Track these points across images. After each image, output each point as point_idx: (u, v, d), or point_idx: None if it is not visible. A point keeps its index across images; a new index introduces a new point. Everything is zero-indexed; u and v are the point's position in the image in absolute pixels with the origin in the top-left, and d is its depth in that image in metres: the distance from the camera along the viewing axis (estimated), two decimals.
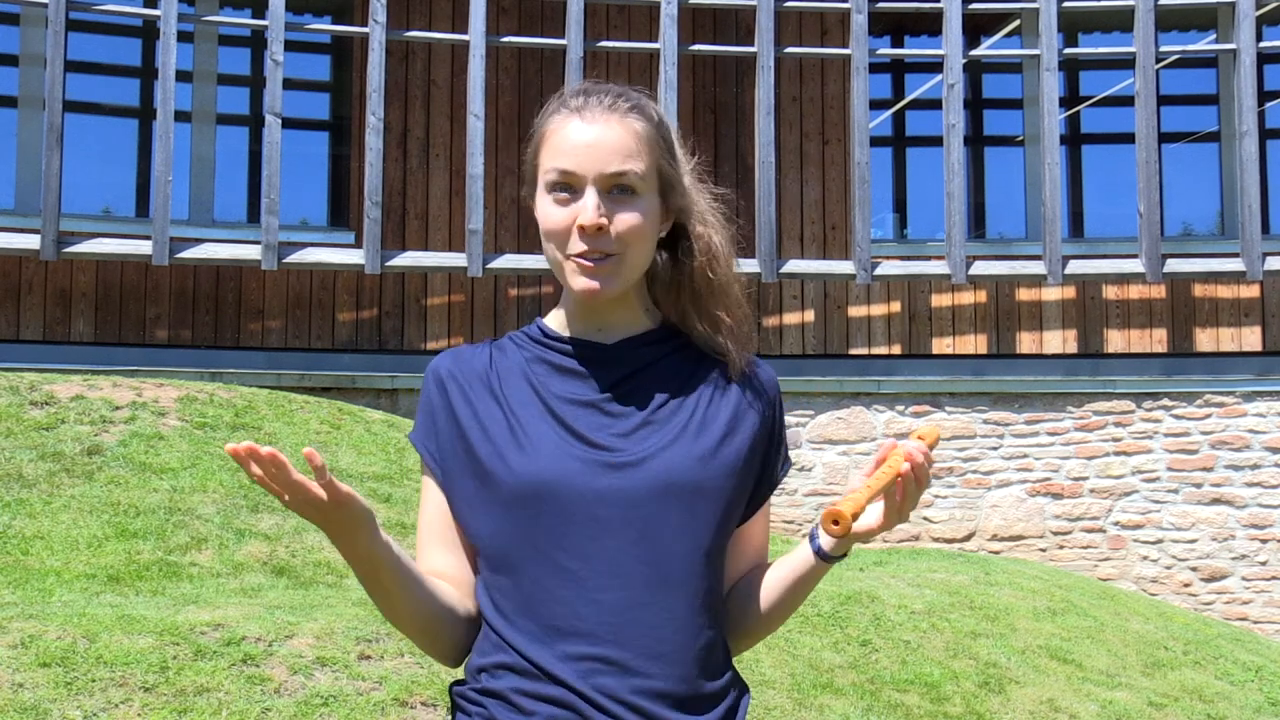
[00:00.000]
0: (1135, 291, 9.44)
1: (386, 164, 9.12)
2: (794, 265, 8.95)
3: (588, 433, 1.71)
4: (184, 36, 9.08)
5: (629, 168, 1.72)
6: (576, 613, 1.66)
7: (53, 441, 6.53)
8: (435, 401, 1.79)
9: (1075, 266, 8.92)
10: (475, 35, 8.61)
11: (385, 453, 7.16)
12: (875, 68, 9.82)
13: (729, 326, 1.83)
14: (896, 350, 9.47)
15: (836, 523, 1.61)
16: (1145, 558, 9.06)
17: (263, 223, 8.41)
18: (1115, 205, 9.99)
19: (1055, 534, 9.09)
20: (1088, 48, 10.15)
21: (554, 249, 1.74)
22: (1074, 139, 10.25)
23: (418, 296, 9.38)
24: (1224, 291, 9.44)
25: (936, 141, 9.35)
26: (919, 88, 10.32)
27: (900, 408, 9.14)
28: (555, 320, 1.83)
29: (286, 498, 1.59)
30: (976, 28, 10.03)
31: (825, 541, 1.71)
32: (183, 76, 8.86)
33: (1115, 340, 9.45)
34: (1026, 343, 9.46)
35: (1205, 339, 9.43)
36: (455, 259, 8.70)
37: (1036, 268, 8.91)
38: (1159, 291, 9.42)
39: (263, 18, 8.74)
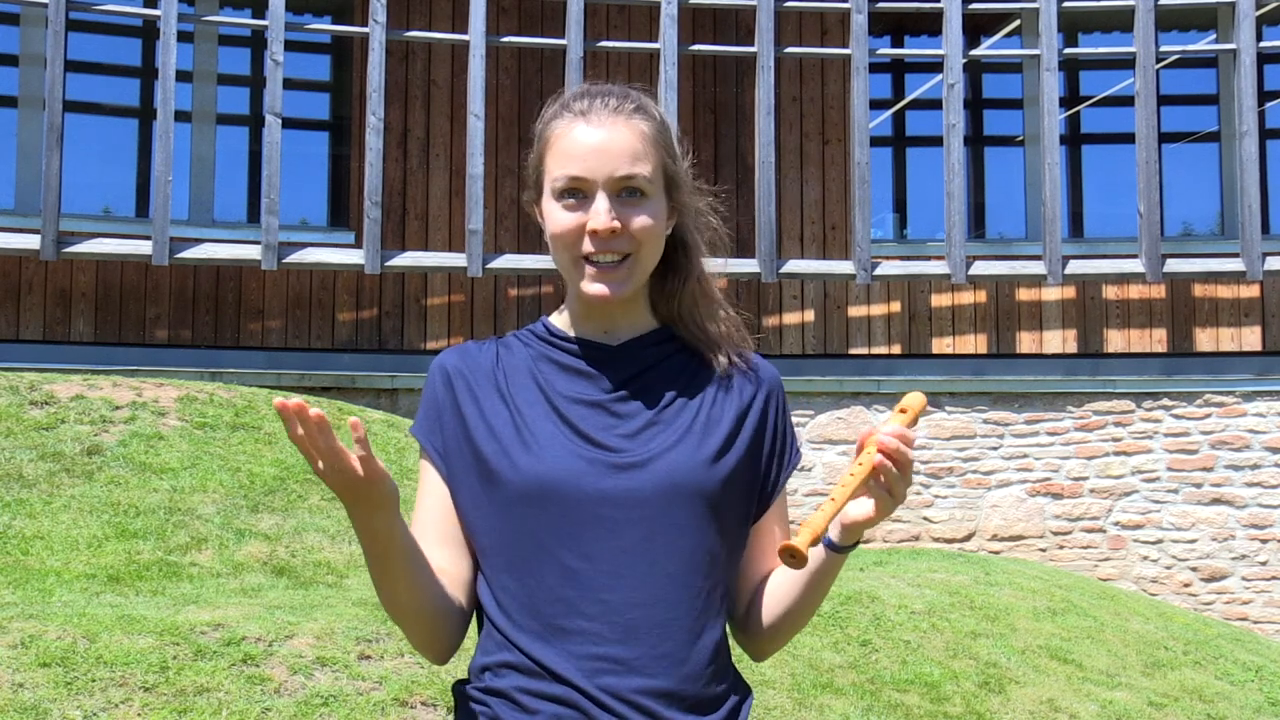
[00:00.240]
0: (1135, 291, 9.45)
1: (386, 164, 9.12)
2: (794, 265, 8.95)
3: (593, 433, 1.71)
4: (184, 36, 9.08)
5: (638, 171, 1.72)
6: (581, 612, 1.66)
7: (53, 441, 6.53)
8: (441, 397, 1.78)
9: (1075, 266, 8.92)
10: (475, 35, 8.61)
11: (385, 453, 7.16)
12: (875, 68, 9.82)
13: (725, 321, 1.83)
14: (896, 350, 9.47)
15: (793, 556, 1.60)
16: (1145, 558, 9.06)
17: (263, 223, 8.41)
18: (1115, 205, 9.99)
19: (1055, 534, 9.09)
20: (1088, 48, 10.15)
21: (564, 253, 1.74)
22: (1074, 139, 10.25)
23: (418, 296, 9.38)
24: (1224, 291, 9.44)
25: (936, 141, 9.35)
26: (919, 88, 10.32)
27: None
28: (561, 320, 1.83)
29: (320, 465, 1.57)
30: (976, 28, 10.03)
31: (834, 532, 1.71)
32: (183, 76, 8.86)
33: (1115, 340, 9.45)
34: (1026, 343, 9.46)
35: (1205, 339, 9.43)
36: (455, 259, 8.70)
37: (1036, 268, 8.91)
38: (1159, 291, 9.42)
39: (263, 18, 8.74)
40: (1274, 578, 9.02)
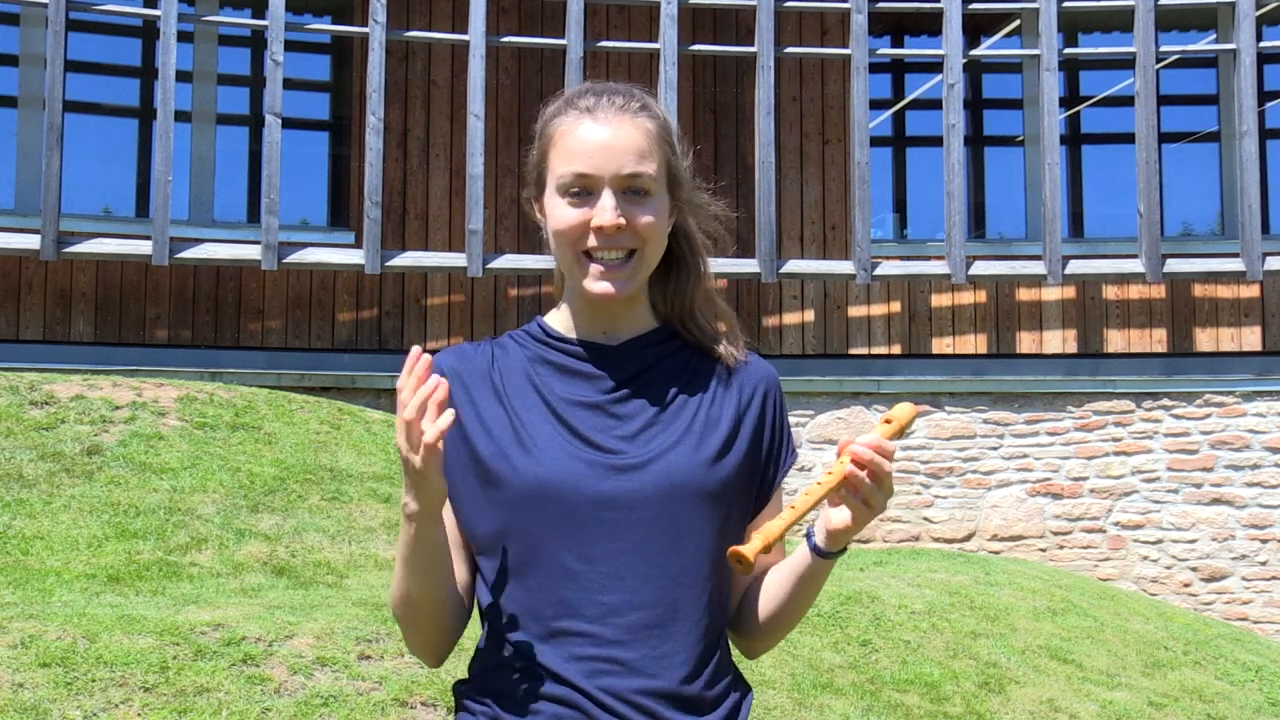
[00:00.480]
0: (1135, 291, 9.45)
1: (386, 164, 9.12)
2: (794, 265, 8.95)
3: (592, 435, 1.71)
4: (184, 36, 9.08)
5: (644, 169, 1.72)
6: (581, 614, 1.66)
7: (53, 441, 6.53)
8: None
9: (1075, 266, 8.92)
10: (475, 35, 8.61)
11: (385, 453, 7.16)
12: (875, 68, 9.82)
13: (724, 320, 1.84)
14: (896, 350, 9.47)
15: (740, 561, 1.60)
16: (1145, 558, 9.06)
17: (263, 223, 8.41)
18: (1115, 205, 9.99)
19: (1055, 534, 9.09)
20: (1088, 48, 10.15)
21: (568, 250, 1.73)
22: (1074, 139, 10.25)
23: (418, 296, 9.38)
24: (1224, 291, 9.44)
25: (936, 141, 9.35)
26: (919, 88, 10.32)
27: None
28: (558, 320, 1.82)
29: (424, 434, 1.55)
30: (976, 28, 10.03)
31: (820, 538, 1.71)
32: (183, 76, 8.86)
33: (1115, 340, 9.45)
34: (1026, 343, 9.46)
35: (1205, 339, 9.43)
36: (455, 259, 8.70)
37: (1036, 268, 8.91)
38: (1159, 291, 9.42)
39: (263, 18, 8.74)
40: (1274, 578, 9.02)
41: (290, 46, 8.90)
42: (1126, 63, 9.39)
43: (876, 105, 9.99)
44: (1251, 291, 9.40)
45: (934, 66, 9.69)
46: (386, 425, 7.60)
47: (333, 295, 9.25)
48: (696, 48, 9.14)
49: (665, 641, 1.67)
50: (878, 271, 8.90)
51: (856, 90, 8.93)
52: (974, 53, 9.55)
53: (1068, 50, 9.34)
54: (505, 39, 8.96)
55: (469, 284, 9.34)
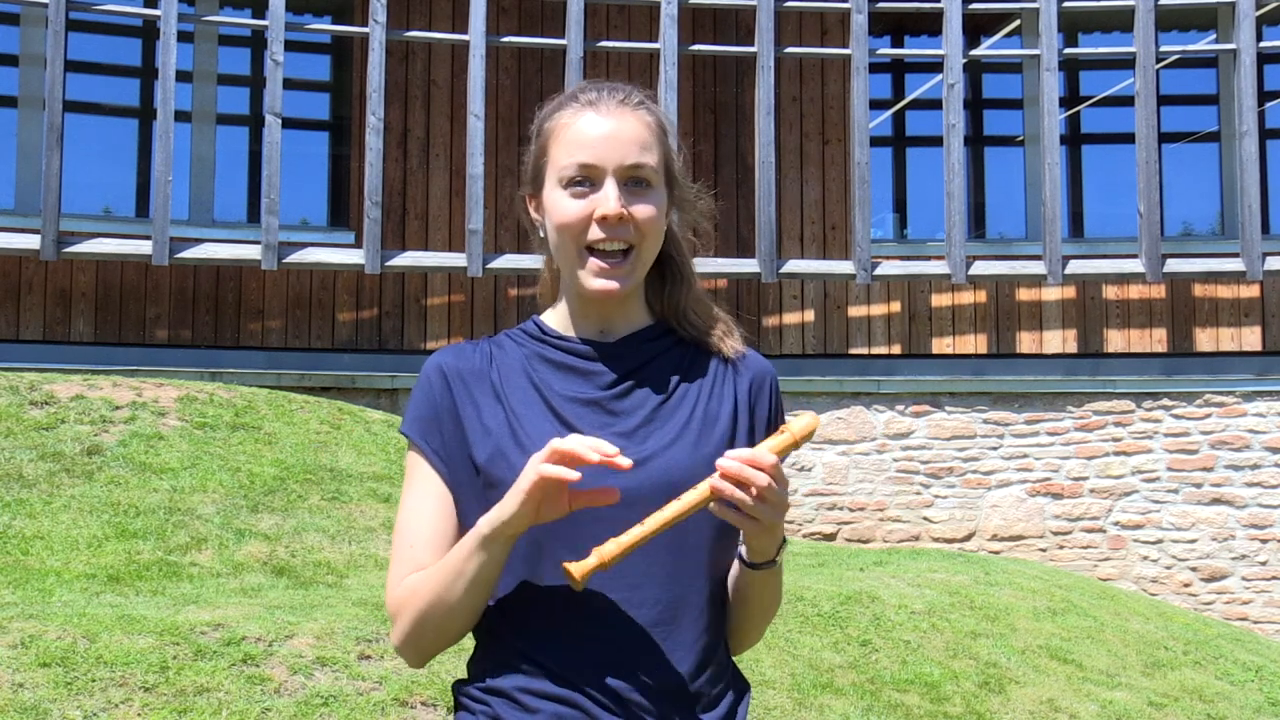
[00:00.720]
0: (1135, 291, 9.45)
1: (386, 164, 9.12)
2: (794, 265, 8.95)
3: (590, 432, 1.70)
4: (184, 36, 9.08)
5: (646, 160, 1.72)
6: (580, 614, 1.66)
7: (53, 441, 6.53)
8: (439, 398, 1.75)
9: (1075, 266, 8.92)
10: (475, 35, 8.61)
11: (385, 453, 7.16)
12: (875, 68, 9.82)
13: (720, 316, 1.84)
14: (896, 350, 9.47)
15: (569, 575, 1.58)
16: (1145, 558, 9.06)
17: (263, 223, 8.41)
18: (1115, 205, 9.99)
19: (1055, 534, 9.09)
20: (1088, 48, 10.15)
21: (569, 242, 1.73)
22: (1074, 139, 10.25)
23: (418, 296, 9.38)
24: (1224, 291, 9.44)
25: (936, 141, 9.35)
26: (919, 88, 10.32)
27: (900, 408, 9.14)
28: (554, 318, 1.82)
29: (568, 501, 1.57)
30: (976, 28, 10.03)
31: (743, 550, 1.70)
32: (183, 76, 8.86)
33: (1115, 340, 9.45)
34: (1026, 343, 9.46)
35: (1205, 339, 9.43)
36: (455, 259, 8.69)
37: (1036, 268, 8.91)
38: (1159, 291, 9.42)
39: (263, 18, 8.74)
40: (1274, 578, 9.02)
41: (290, 46, 8.90)
42: (1126, 63, 9.39)
43: (876, 105, 9.99)
44: (1251, 291, 9.40)
45: (934, 66, 9.69)
46: (387, 425, 7.60)
47: (333, 295, 9.25)
48: (696, 48, 9.14)
49: (665, 639, 1.67)
50: (878, 271, 8.90)
51: (856, 90, 8.93)
52: (974, 53, 9.55)
53: (1068, 50, 9.34)
54: (505, 39, 8.96)
55: (469, 284, 9.34)
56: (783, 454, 1.59)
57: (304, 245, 8.73)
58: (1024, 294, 9.47)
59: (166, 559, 5.66)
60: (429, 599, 1.67)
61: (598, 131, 1.72)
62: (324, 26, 9.47)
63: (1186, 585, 9.02)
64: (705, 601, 1.71)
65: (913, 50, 10.21)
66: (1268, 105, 9.99)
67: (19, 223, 8.69)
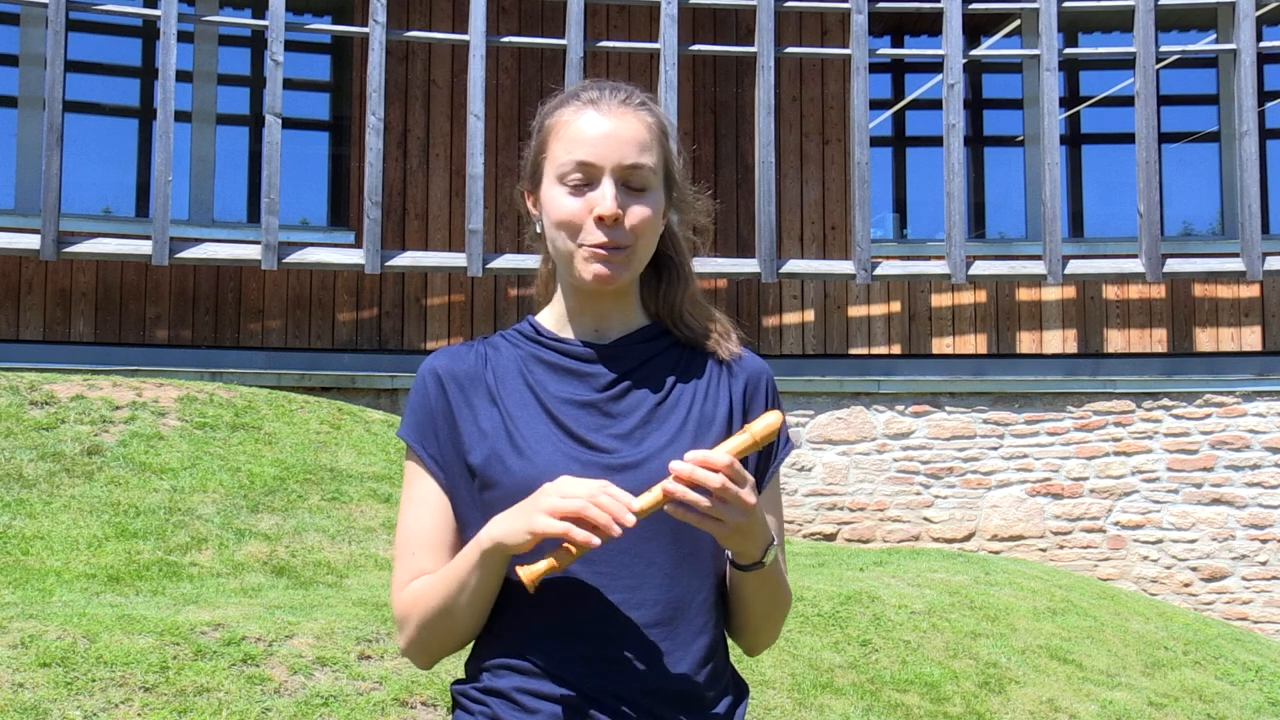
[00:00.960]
0: (1135, 291, 9.45)
1: (386, 164, 9.12)
2: (794, 265, 8.95)
3: (586, 434, 1.70)
4: (184, 36, 9.08)
5: (645, 161, 1.72)
6: (578, 614, 1.66)
7: (53, 441, 6.54)
8: (434, 402, 1.75)
9: (1075, 266, 8.92)
10: (475, 35, 8.61)
11: (385, 453, 7.16)
12: (875, 68, 9.83)
13: (716, 316, 1.84)
14: (896, 350, 9.47)
15: (521, 583, 1.59)
16: (1145, 558, 9.06)
17: (263, 223, 8.41)
18: (1115, 205, 9.99)
19: (1055, 534, 9.09)
20: (1088, 48, 10.15)
21: (565, 238, 1.72)
22: (1074, 139, 10.25)
23: (418, 296, 9.38)
24: (1224, 291, 9.44)
25: (936, 141, 9.35)
26: (919, 88, 10.33)
27: (900, 408, 9.14)
28: (549, 319, 1.82)
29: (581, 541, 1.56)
30: (976, 28, 10.03)
31: (730, 551, 1.69)
32: (183, 76, 8.86)
33: (1115, 340, 9.45)
34: (1026, 343, 9.46)
35: (1205, 339, 9.43)
36: (455, 259, 8.70)
37: (1036, 268, 8.91)
38: (1159, 291, 9.42)
39: (263, 18, 8.74)
40: (1274, 578, 9.02)
41: (290, 46, 8.90)
42: (1126, 63, 9.39)
43: (876, 105, 9.99)
44: (1251, 291, 9.40)
45: (934, 66, 9.69)
46: (387, 425, 7.60)
47: (333, 295, 9.25)
48: (696, 48, 9.14)
49: (664, 640, 1.67)
50: (878, 271, 8.90)
51: (856, 90, 8.93)
52: (974, 53, 9.55)
53: (1068, 50, 9.34)
54: (505, 39, 8.96)
55: (469, 284, 9.34)
56: (741, 454, 1.58)
57: (304, 245, 8.73)
58: (1024, 294, 9.47)
59: (166, 559, 5.66)
60: (434, 606, 1.68)
61: (597, 130, 1.71)
62: (324, 26, 9.47)
63: (1186, 585, 9.02)
64: (704, 602, 1.71)
65: (913, 50, 10.21)
66: (1268, 105, 9.99)
67: (19, 223, 8.70)
